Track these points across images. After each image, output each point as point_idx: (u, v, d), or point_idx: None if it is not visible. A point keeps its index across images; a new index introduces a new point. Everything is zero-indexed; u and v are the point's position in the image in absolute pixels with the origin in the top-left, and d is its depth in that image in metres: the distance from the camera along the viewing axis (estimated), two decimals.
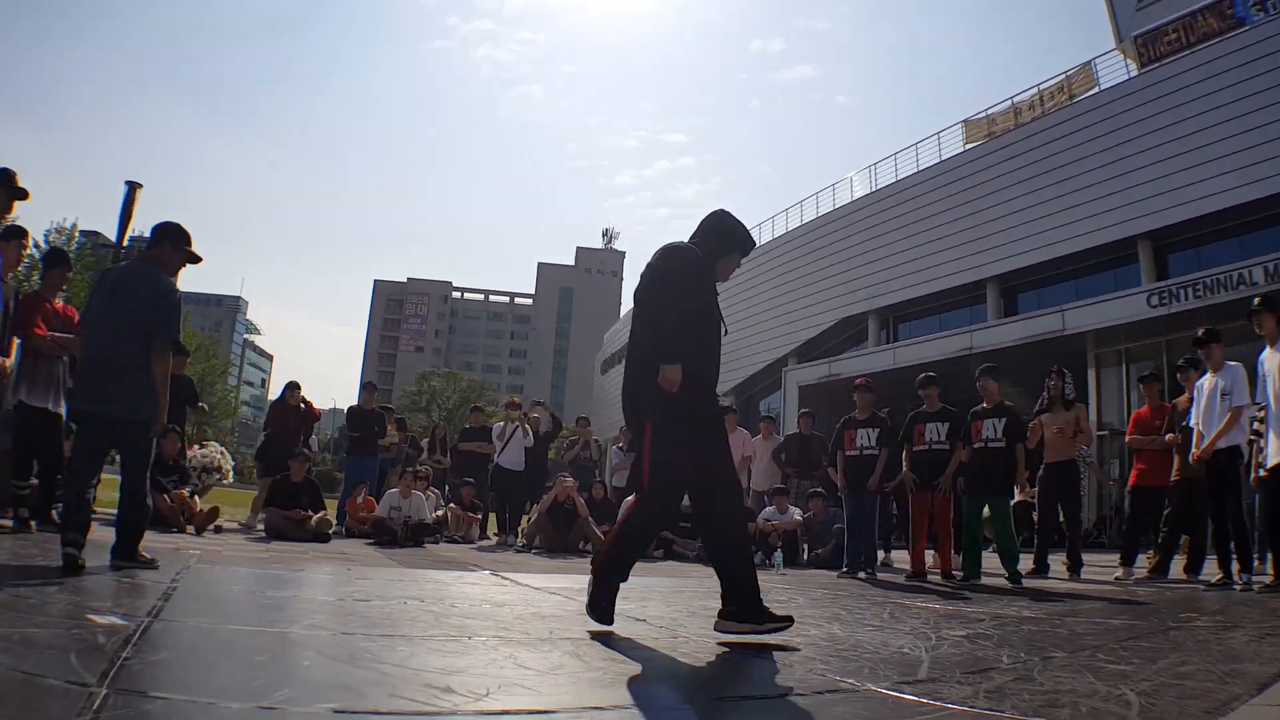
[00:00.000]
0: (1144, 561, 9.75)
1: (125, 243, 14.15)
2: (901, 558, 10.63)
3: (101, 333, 5.77)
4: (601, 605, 4.28)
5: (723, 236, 4.76)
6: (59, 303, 7.90)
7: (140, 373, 5.70)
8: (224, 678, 2.88)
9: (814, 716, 2.75)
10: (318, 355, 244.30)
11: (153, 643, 3.20)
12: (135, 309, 5.72)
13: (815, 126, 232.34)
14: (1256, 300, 7.93)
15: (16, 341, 7.21)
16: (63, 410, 7.68)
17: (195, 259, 6.12)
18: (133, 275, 5.95)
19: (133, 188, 13.45)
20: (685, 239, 4.72)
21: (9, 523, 7.29)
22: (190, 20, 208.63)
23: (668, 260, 4.50)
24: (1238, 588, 7.88)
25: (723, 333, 4.63)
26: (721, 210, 4.91)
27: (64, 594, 4.30)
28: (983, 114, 35.03)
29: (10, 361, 6.98)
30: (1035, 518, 11.37)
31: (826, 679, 3.27)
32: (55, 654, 2.83)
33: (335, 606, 4.97)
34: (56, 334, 7.55)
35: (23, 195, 6.48)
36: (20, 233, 7.38)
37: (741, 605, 4.28)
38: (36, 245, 26.92)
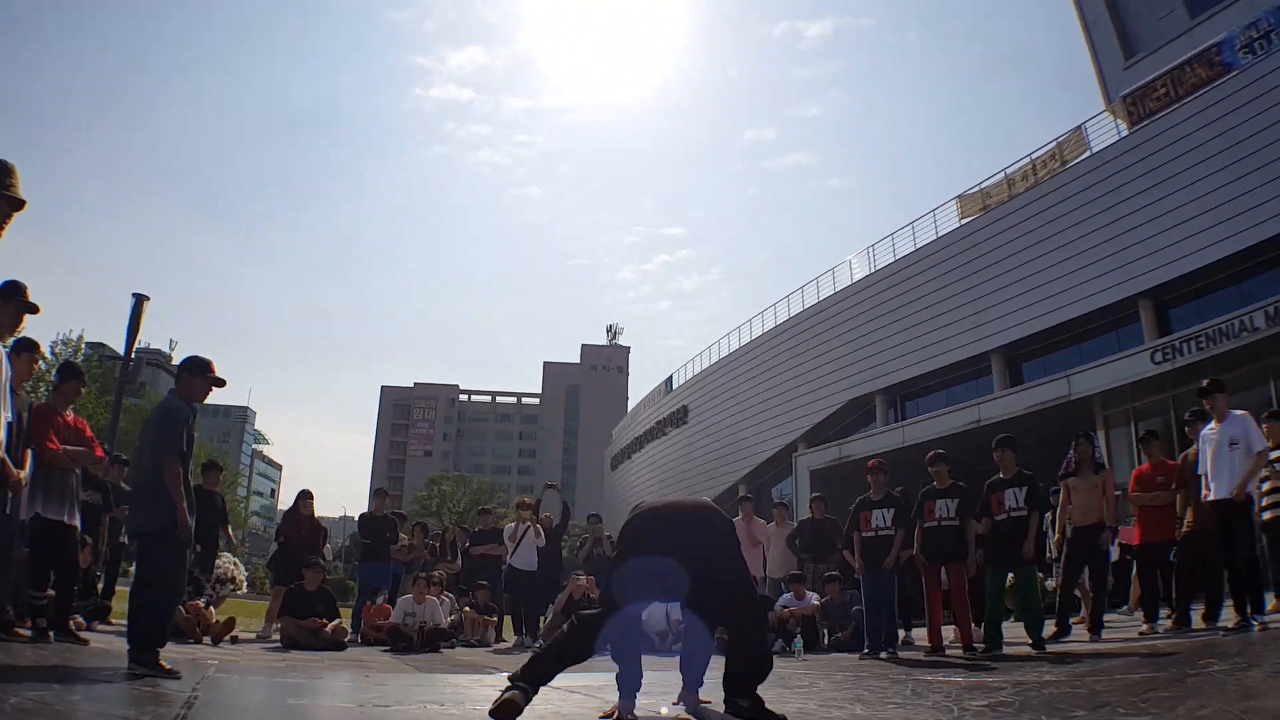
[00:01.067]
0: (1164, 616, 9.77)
1: (132, 355, 14.24)
2: (922, 635, 10.51)
3: (136, 464, 6.57)
4: None
5: None
6: (70, 415, 7.99)
7: (151, 488, 6.06)
8: None
9: None
10: (327, 463, 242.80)
11: None
12: (150, 436, 6.21)
13: (812, 211, 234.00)
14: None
15: (30, 454, 7.22)
16: (77, 522, 7.86)
17: (219, 383, 6.54)
18: (155, 409, 6.46)
19: (139, 300, 13.60)
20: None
21: (27, 632, 7.42)
22: (196, 127, 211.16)
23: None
24: (1255, 628, 7.96)
25: None
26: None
27: (88, 702, 4.27)
28: (976, 188, 35.44)
29: (25, 474, 6.99)
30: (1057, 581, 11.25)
31: None
32: None
33: (356, 713, 4.93)
34: (69, 447, 7.68)
35: (33, 310, 6.46)
36: (31, 345, 7.45)
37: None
38: (43, 357, 27.30)
